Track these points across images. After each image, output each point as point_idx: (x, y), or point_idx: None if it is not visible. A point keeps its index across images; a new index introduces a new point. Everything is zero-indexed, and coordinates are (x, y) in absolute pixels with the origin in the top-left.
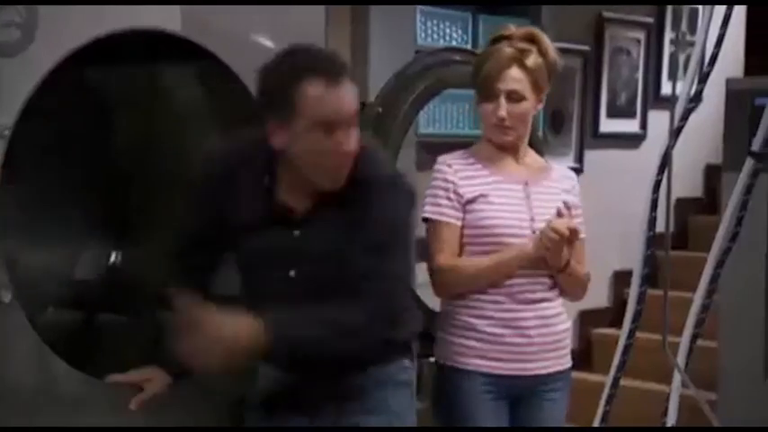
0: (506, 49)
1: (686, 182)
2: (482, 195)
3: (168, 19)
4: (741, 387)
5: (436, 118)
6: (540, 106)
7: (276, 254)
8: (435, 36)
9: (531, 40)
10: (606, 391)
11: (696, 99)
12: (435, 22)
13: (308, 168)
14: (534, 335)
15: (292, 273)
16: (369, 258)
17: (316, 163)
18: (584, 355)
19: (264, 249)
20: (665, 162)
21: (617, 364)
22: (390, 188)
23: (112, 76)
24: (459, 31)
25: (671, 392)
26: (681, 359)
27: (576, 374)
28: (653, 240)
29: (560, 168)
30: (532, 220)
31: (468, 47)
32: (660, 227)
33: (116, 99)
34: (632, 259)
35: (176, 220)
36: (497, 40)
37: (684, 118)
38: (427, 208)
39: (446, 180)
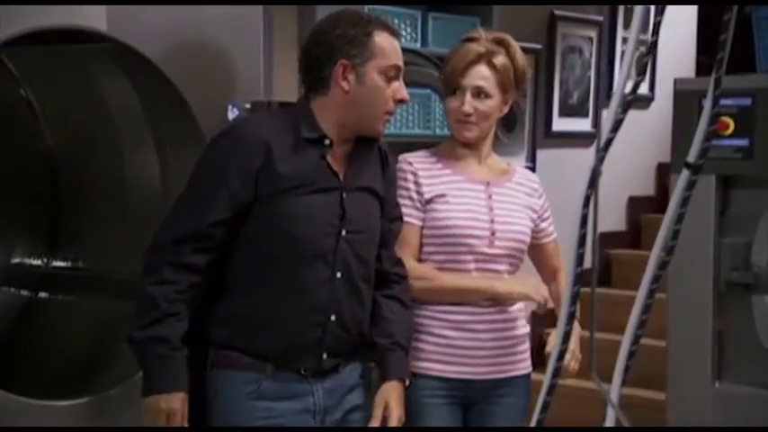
0: (474, 47)
1: (638, 180)
2: (441, 195)
3: (93, 16)
4: (690, 389)
5: None
6: (506, 109)
7: (330, 215)
8: None
9: (500, 43)
10: (537, 413)
11: (617, 126)
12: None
13: (365, 109)
14: (486, 338)
15: (344, 233)
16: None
17: (375, 104)
18: (538, 355)
19: (319, 211)
20: (592, 193)
21: (545, 391)
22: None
23: (38, 73)
24: (409, 29)
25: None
26: (616, 381)
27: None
28: (581, 277)
29: (523, 171)
30: (492, 221)
31: (418, 46)
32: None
33: (43, 97)
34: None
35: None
36: (466, 41)
37: (605, 148)
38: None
39: (406, 180)
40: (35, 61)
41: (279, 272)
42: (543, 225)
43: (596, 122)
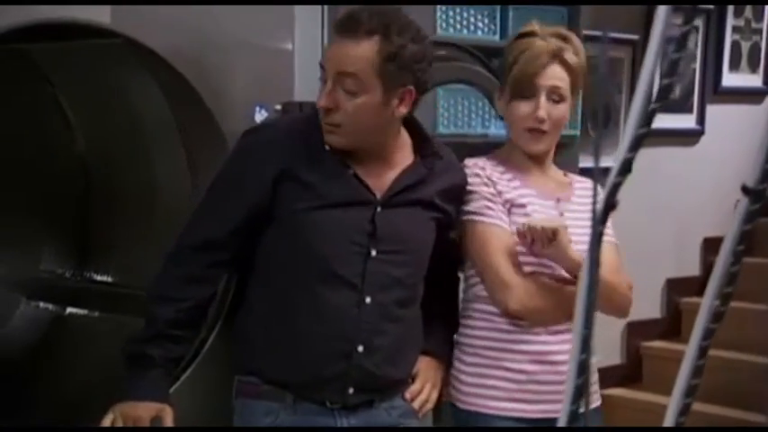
0: (542, 43)
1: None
2: (521, 205)
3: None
4: None
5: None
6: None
7: (356, 233)
8: (458, 26)
9: (564, 39)
10: None
11: (637, 144)
12: (458, 11)
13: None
14: (565, 371)
15: (374, 253)
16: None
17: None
18: (632, 370)
19: (340, 228)
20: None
21: None
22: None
23: (64, 71)
24: (486, 20)
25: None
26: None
27: (622, 391)
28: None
29: (582, 183)
30: None
31: (497, 39)
32: (716, 230)
33: (71, 96)
34: (687, 265)
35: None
36: (524, 35)
37: (623, 172)
38: (473, 208)
39: (485, 184)
40: (59, 57)
41: (297, 291)
42: None
43: (701, 119)
